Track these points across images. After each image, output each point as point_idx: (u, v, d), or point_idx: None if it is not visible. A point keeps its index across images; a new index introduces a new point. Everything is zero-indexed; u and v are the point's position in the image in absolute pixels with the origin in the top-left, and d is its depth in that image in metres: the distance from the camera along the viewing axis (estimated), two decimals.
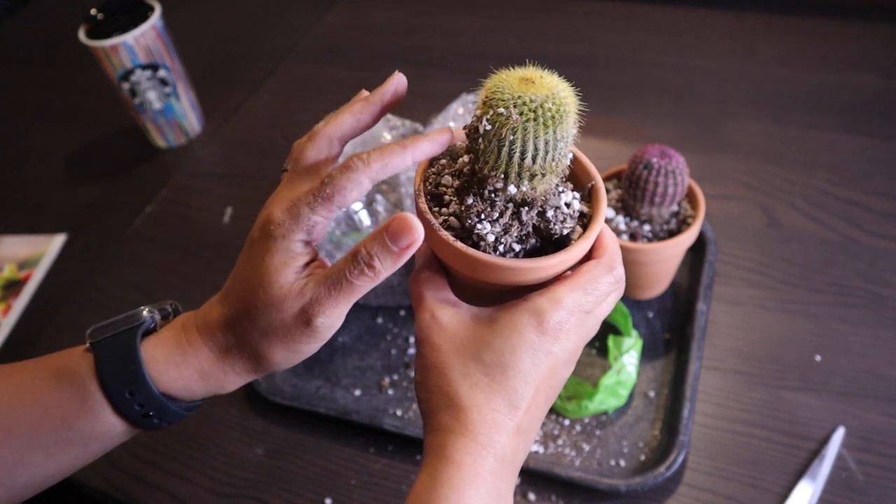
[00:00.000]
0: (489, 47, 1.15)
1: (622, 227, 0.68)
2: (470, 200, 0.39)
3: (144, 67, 0.97)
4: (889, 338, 0.68)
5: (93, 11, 0.98)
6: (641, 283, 0.71)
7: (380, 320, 0.78)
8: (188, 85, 1.05)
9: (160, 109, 1.02)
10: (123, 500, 0.67)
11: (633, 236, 0.68)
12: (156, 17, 0.97)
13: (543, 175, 0.38)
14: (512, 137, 0.36)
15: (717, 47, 1.07)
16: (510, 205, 0.39)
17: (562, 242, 0.40)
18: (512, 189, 0.38)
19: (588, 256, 0.40)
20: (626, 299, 0.73)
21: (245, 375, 0.41)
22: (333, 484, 0.65)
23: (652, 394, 0.67)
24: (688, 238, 0.66)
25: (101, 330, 0.41)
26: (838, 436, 0.61)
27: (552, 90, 0.36)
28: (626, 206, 0.69)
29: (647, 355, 0.69)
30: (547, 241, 0.40)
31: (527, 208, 0.39)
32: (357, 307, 0.79)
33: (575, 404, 0.65)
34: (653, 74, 1.04)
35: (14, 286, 0.90)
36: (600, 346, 0.71)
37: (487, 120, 0.37)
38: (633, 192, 0.66)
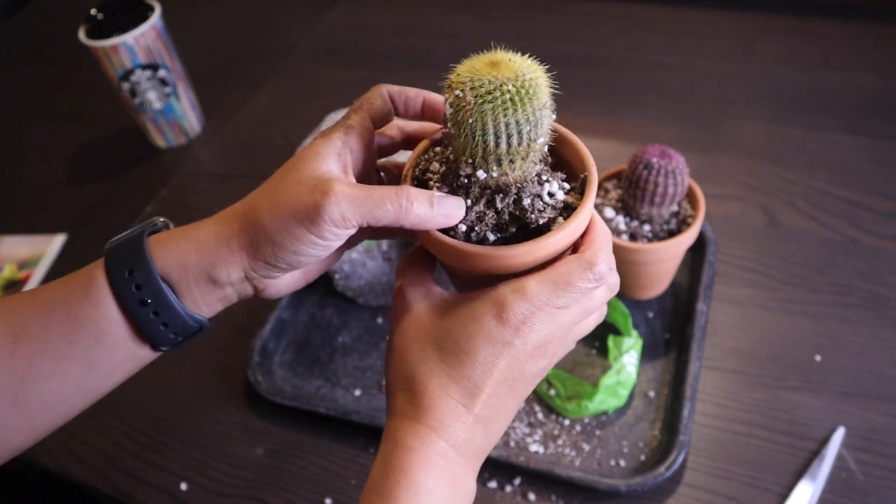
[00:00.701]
0: (489, 47, 1.15)
1: (622, 227, 0.68)
2: (446, 188, 0.39)
3: (144, 67, 0.97)
4: (889, 338, 0.68)
5: (93, 11, 0.98)
6: (641, 283, 0.71)
7: (380, 320, 0.78)
8: (188, 85, 1.05)
9: (160, 109, 1.02)
10: (123, 500, 0.67)
11: (633, 236, 0.68)
12: (156, 17, 0.97)
13: (512, 161, 0.37)
14: (471, 120, 0.35)
15: (717, 47, 1.07)
16: (487, 192, 0.38)
17: (544, 233, 0.38)
18: (481, 174, 0.37)
19: (577, 247, 0.39)
20: (626, 299, 0.73)
21: (239, 255, 0.39)
22: (333, 484, 0.65)
23: (652, 394, 0.67)
24: (688, 238, 0.66)
25: (115, 238, 0.41)
26: (838, 436, 0.61)
27: (517, 72, 0.35)
28: (626, 206, 0.69)
29: (647, 355, 0.69)
30: (528, 231, 0.39)
31: (501, 195, 0.38)
32: (357, 307, 0.79)
33: (575, 404, 0.65)
34: (653, 74, 1.04)
35: (14, 286, 0.90)
36: (600, 346, 0.71)
37: (449, 104, 0.36)
38: (633, 192, 0.66)
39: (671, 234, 0.68)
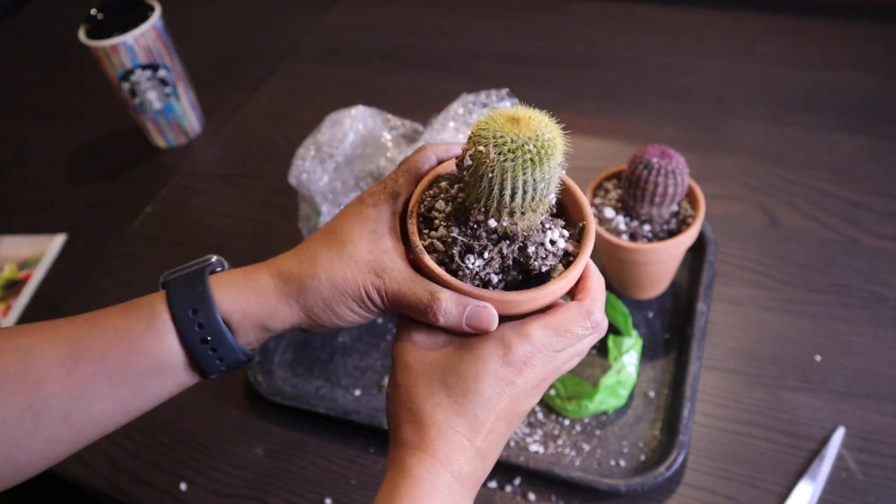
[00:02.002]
0: (489, 47, 1.15)
1: (622, 227, 0.68)
2: (456, 230, 0.40)
3: (144, 67, 0.97)
4: (889, 338, 0.68)
5: (93, 11, 0.98)
6: (641, 283, 0.71)
7: (380, 320, 0.78)
8: (188, 85, 1.05)
9: (160, 109, 1.02)
10: (123, 500, 0.67)
11: (633, 236, 0.68)
12: (156, 17, 0.97)
13: (524, 213, 0.39)
14: (490, 175, 0.37)
15: (717, 47, 1.07)
16: (494, 237, 0.40)
17: (544, 278, 0.41)
18: (493, 223, 0.39)
19: (574, 293, 0.42)
20: (626, 299, 0.73)
21: (295, 314, 0.42)
22: (333, 484, 0.65)
23: (652, 394, 0.67)
24: (688, 238, 0.66)
25: (172, 272, 0.44)
26: (838, 436, 0.61)
27: (536, 131, 0.37)
28: (626, 206, 0.69)
29: (647, 355, 0.69)
30: (529, 276, 0.41)
31: (508, 242, 0.40)
32: None
33: (575, 404, 0.65)
34: (653, 74, 1.04)
35: (14, 286, 0.90)
36: (600, 346, 0.71)
37: (470, 156, 0.38)
38: (633, 192, 0.66)
39: (671, 234, 0.68)
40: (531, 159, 0.37)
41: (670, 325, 0.72)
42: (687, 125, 0.94)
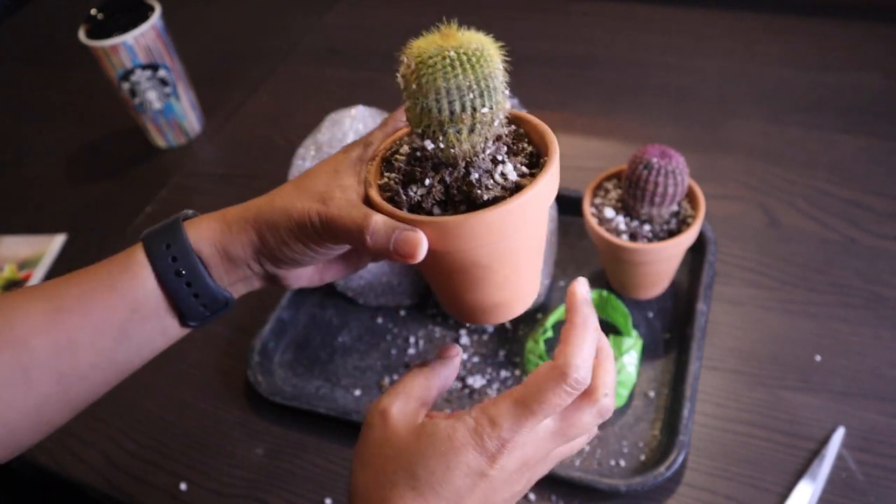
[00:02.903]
0: None
1: (622, 227, 0.68)
2: (403, 162, 0.39)
3: (144, 67, 0.97)
4: (889, 338, 0.68)
5: (93, 11, 0.98)
6: (641, 283, 0.71)
7: (380, 320, 0.78)
8: (188, 85, 1.05)
9: (160, 109, 1.02)
10: (123, 500, 0.67)
11: (633, 236, 0.68)
12: (156, 17, 0.97)
13: (459, 132, 0.37)
14: (414, 87, 0.36)
15: (717, 47, 1.07)
16: (438, 167, 0.38)
17: None
18: (429, 144, 0.37)
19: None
20: (626, 299, 0.73)
21: (250, 240, 0.42)
22: (333, 484, 0.65)
23: (652, 394, 0.67)
24: (688, 238, 0.66)
25: (151, 227, 0.44)
26: (838, 436, 0.61)
27: (462, 42, 0.36)
28: (626, 206, 0.69)
29: (647, 355, 0.69)
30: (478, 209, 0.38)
31: (450, 169, 0.38)
32: (357, 307, 0.79)
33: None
34: (653, 74, 1.04)
35: (14, 286, 0.90)
36: None
37: (400, 76, 0.37)
38: (633, 192, 0.66)
39: (671, 234, 0.68)
40: (450, 65, 0.35)
41: (670, 325, 0.72)
42: (687, 125, 0.94)
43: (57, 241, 0.96)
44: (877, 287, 0.72)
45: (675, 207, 0.67)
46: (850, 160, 0.86)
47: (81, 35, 0.96)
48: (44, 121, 1.20)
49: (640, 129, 0.95)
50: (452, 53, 0.35)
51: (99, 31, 0.95)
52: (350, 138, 0.73)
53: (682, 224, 0.68)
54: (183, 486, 0.67)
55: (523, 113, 0.42)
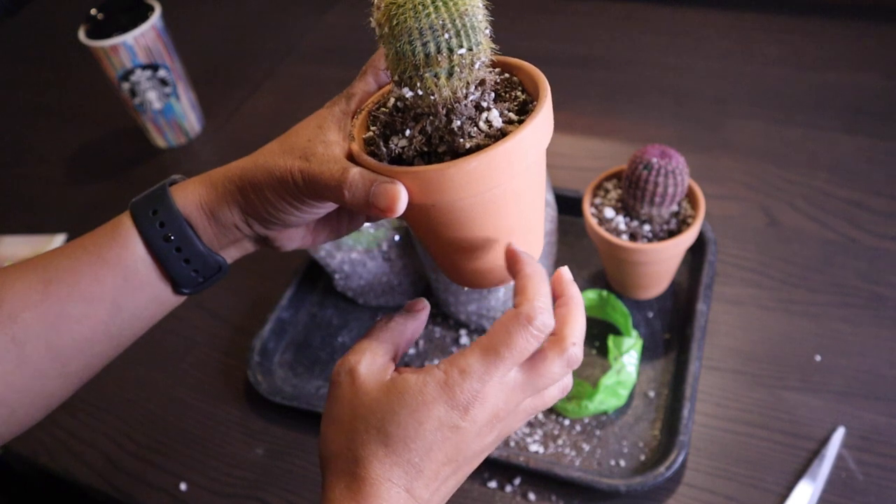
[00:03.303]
0: None
1: (622, 227, 0.68)
2: (384, 115, 0.38)
3: (144, 67, 0.97)
4: (889, 338, 0.68)
5: (93, 11, 0.98)
6: (641, 283, 0.71)
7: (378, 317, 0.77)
8: (188, 85, 1.05)
9: (160, 109, 1.02)
10: (123, 500, 0.67)
11: (633, 236, 0.68)
12: (156, 17, 0.97)
13: (437, 76, 0.34)
14: (386, 30, 0.34)
15: (717, 47, 1.07)
16: (420, 118, 0.37)
17: None
18: (407, 92, 0.35)
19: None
20: (626, 299, 0.73)
21: (236, 199, 0.41)
22: None
23: (652, 394, 0.67)
24: (688, 238, 0.66)
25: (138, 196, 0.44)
26: (838, 436, 0.61)
27: None
28: (626, 206, 0.69)
29: (647, 355, 0.69)
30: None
31: (431, 118, 0.36)
32: (357, 307, 0.79)
33: (575, 404, 0.65)
34: (653, 74, 1.04)
35: None
36: (600, 346, 0.71)
37: (374, 22, 0.35)
38: (633, 192, 0.66)
39: (671, 234, 0.68)
40: (421, 3, 0.33)
41: (670, 325, 0.72)
42: (687, 125, 0.94)
43: (57, 241, 0.96)
44: (877, 287, 0.72)
45: (675, 207, 0.67)
46: (850, 160, 0.86)
47: (81, 35, 0.96)
48: (44, 121, 1.20)
49: (640, 129, 0.95)
50: None
51: (99, 31, 0.95)
52: None
53: (682, 224, 0.68)
54: (183, 486, 0.67)
55: (517, 60, 0.40)
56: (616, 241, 0.66)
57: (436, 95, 0.35)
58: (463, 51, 0.34)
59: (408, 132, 0.37)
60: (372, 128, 0.39)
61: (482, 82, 0.37)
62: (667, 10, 1.15)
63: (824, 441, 0.61)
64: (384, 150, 0.37)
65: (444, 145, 0.36)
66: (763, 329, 0.70)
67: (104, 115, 1.16)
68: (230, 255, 0.45)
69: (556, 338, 0.37)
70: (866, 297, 0.71)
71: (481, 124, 0.36)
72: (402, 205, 0.35)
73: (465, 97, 0.36)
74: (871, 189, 0.82)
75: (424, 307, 0.42)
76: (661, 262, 0.68)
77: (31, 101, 1.26)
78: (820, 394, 0.65)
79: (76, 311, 0.41)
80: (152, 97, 1.01)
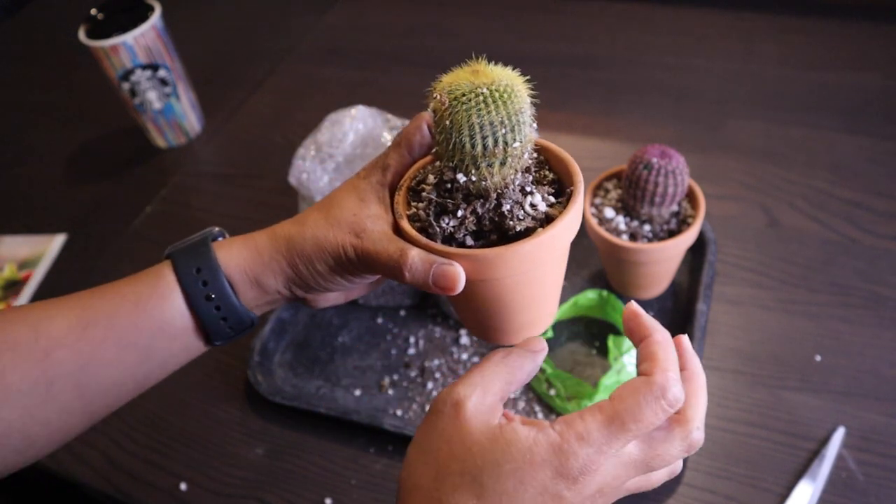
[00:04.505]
0: (489, 47, 1.14)
1: (622, 227, 0.68)
2: (434, 194, 0.40)
3: (144, 67, 0.97)
4: (889, 338, 0.68)
5: (93, 11, 0.98)
6: (641, 283, 0.71)
7: (380, 320, 0.78)
8: (188, 85, 1.05)
9: (160, 109, 1.02)
10: (123, 500, 0.67)
11: (633, 236, 0.68)
12: (156, 17, 0.97)
13: (490, 165, 0.38)
14: (448, 122, 0.37)
15: (717, 47, 1.07)
16: (466, 195, 0.39)
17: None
18: (461, 178, 0.38)
19: (639, 367, 0.36)
20: (626, 299, 0.73)
21: (283, 271, 0.43)
22: (333, 484, 0.65)
23: None
24: (688, 238, 0.66)
25: (176, 245, 0.45)
26: (838, 436, 0.61)
27: (494, 78, 0.37)
28: (626, 206, 0.69)
29: None
30: (508, 240, 0.39)
31: (482, 201, 0.39)
32: (357, 307, 0.79)
33: (575, 404, 0.65)
34: (653, 74, 1.04)
35: (14, 286, 0.90)
36: (600, 346, 0.71)
37: (431, 109, 0.38)
38: (633, 192, 0.66)
39: (671, 234, 0.68)
40: (484, 101, 0.36)
41: (670, 325, 0.72)
42: (687, 125, 0.94)
43: (57, 241, 0.96)
44: (877, 287, 0.72)
45: (675, 207, 0.67)
46: (850, 160, 0.86)
47: (81, 35, 0.96)
48: (43, 121, 1.20)
49: (640, 129, 0.95)
50: (485, 90, 0.36)
51: (99, 31, 0.95)
52: (350, 138, 0.73)
53: (682, 224, 0.68)
54: (183, 486, 0.67)
55: (543, 140, 0.43)
56: (616, 241, 0.66)
57: (488, 181, 0.38)
58: (517, 144, 0.38)
59: (460, 213, 0.39)
60: (415, 203, 0.41)
61: (526, 169, 0.40)
62: (667, 10, 1.15)
63: (824, 441, 0.61)
64: (437, 228, 0.39)
65: (493, 226, 0.39)
66: (763, 329, 0.70)
67: (104, 115, 1.16)
68: (262, 310, 0.46)
69: (680, 417, 0.36)
70: (866, 297, 0.71)
71: (527, 207, 0.39)
72: (461, 285, 0.37)
73: (514, 182, 0.39)
74: (871, 189, 0.82)
75: (543, 348, 0.40)
76: (661, 262, 0.68)
77: (31, 101, 1.26)
78: (820, 394, 0.65)
79: (109, 356, 0.41)
80: (152, 97, 1.01)
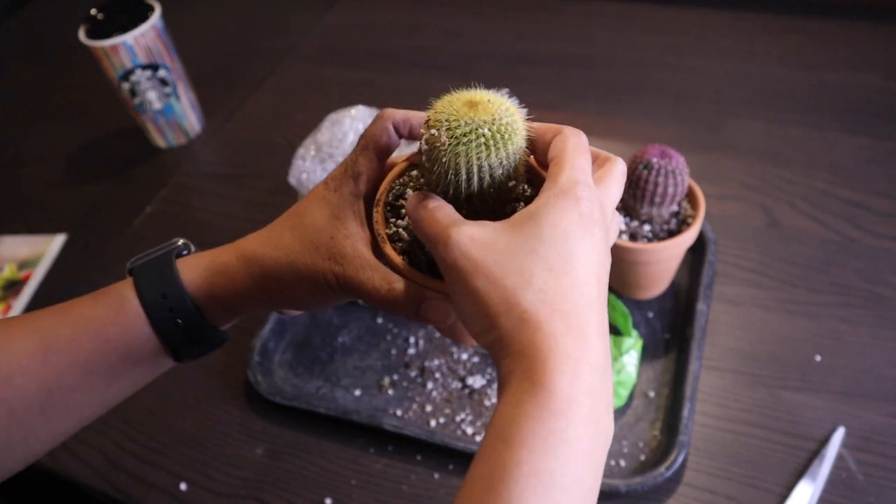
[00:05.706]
0: (489, 47, 1.15)
1: (622, 227, 0.68)
2: None
3: (144, 67, 0.97)
4: (889, 338, 0.68)
5: (93, 11, 0.98)
6: (641, 283, 0.71)
7: (380, 320, 0.78)
8: (188, 85, 1.05)
9: (160, 109, 1.02)
10: (123, 500, 0.67)
11: (633, 236, 0.68)
12: (156, 17, 0.97)
13: (484, 200, 0.37)
14: (444, 160, 0.35)
15: (717, 47, 1.07)
16: None
17: None
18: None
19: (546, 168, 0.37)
20: (626, 299, 0.73)
21: (257, 298, 0.41)
22: (333, 484, 0.65)
23: (652, 394, 0.67)
24: (688, 238, 0.66)
25: (138, 258, 0.43)
26: (838, 436, 0.61)
27: (494, 115, 0.35)
28: (626, 206, 0.69)
29: (647, 355, 0.69)
30: None
31: None
32: (357, 307, 0.79)
33: None
34: (653, 74, 1.04)
35: (14, 286, 0.90)
36: None
37: (425, 140, 0.36)
38: (633, 192, 0.66)
39: (671, 234, 0.68)
40: (485, 144, 0.35)
41: (670, 325, 0.72)
42: (687, 125, 0.94)
43: (57, 241, 0.96)
44: (877, 287, 0.72)
45: (675, 207, 0.67)
46: (850, 160, 0.86)
47: (81, 35, 0.96)
48: (44, 121, 1.20)
49: (640, 129, 0.95)
50: (486, 131, 0.35)
51: (99, 31, 0.95)
52: (350, 138, 0.73)
53: (682, 224, 0.68)
54: (183, 486, 0.67)
55: (533, 161, 0.41)
56: (616, 242, 0.66)
57: (481, 213, 0.37)
58: (512, 183, 0.37)
59: None
60: (392, 220, 0.40)
61: (515, 199, 0.39)
62: (667, 10, 1.15)
63: (824, 441, 0.61)
64: (423, 257, 0.38)
65: None
66: (763, 329, 0.70)
67: (104, 115, 1.16)
68: (230, 325, 0.45)
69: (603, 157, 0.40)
70: (866, 297, 0.71)
71: None
72: (452, 318, 0.36)
73: (502, 210, 0.38)
74: (871, 189, 0.82)
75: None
76: (661, 262, 0.68)
77: (31, 101, 1.26)
78: (820, 394, 0.65)
79: (74, 382, 0.40)
80: (152, 97, 1.00)
